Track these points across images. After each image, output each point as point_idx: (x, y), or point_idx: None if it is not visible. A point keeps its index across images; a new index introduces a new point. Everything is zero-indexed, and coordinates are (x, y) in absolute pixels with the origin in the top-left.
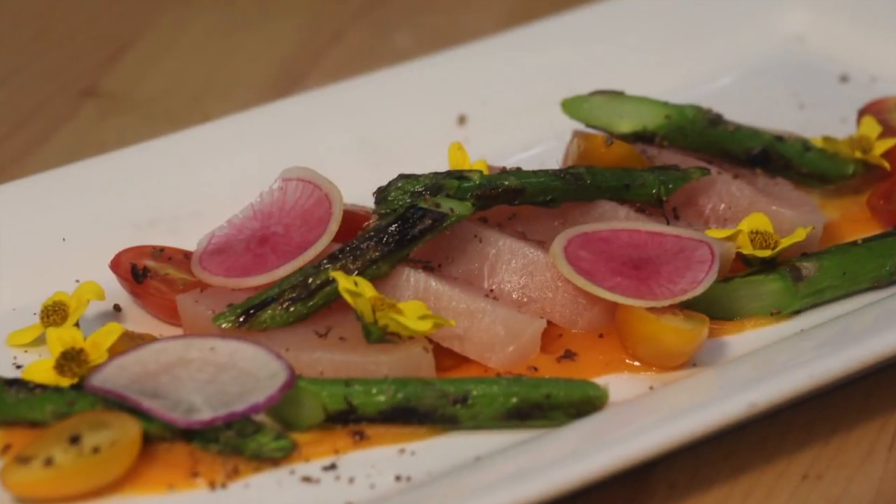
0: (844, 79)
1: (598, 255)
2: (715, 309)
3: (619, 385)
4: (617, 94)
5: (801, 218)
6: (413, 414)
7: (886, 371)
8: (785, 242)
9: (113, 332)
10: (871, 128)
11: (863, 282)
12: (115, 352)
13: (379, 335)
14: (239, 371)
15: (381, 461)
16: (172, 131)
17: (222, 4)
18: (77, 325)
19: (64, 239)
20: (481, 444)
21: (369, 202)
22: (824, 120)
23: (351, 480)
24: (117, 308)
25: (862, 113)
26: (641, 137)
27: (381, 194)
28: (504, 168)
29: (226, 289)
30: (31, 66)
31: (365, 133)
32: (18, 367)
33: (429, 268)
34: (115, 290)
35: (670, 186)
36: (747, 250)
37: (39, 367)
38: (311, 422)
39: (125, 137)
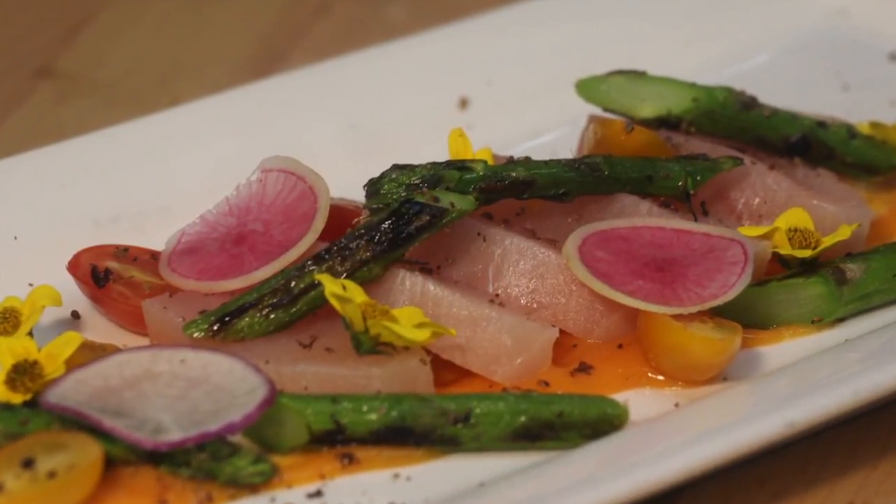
0: (894, 57)
1: (616, 255)
2: (748, 316)
3: (640, 402)
4: (638, 75)
5: (845, 213)
6: (409, 434)
7: None
8: (827, 241)
9: (71, 343)
10: None
11: None
12: (73, 364)
13: (370, 346)
14: (212, 386)
15: (373, 487)
16: (137, 116)
17: None
18: (30, 334)
19: (16, 237)
20: (485, 469)
21: (359, 196)
22: (871, 103)
23: None
24: (76, 315)
25: None
26: (666, 123)
27: (373, 187)
28: (511, 157)
29: (198, 293)
30: None
31: (354, 118)
32: None
33: (426, 270)
34: (74, 295)
35: (698, 178)
36: (785, 250)
37: None
38: (293, 443)
39: (85, 123)
